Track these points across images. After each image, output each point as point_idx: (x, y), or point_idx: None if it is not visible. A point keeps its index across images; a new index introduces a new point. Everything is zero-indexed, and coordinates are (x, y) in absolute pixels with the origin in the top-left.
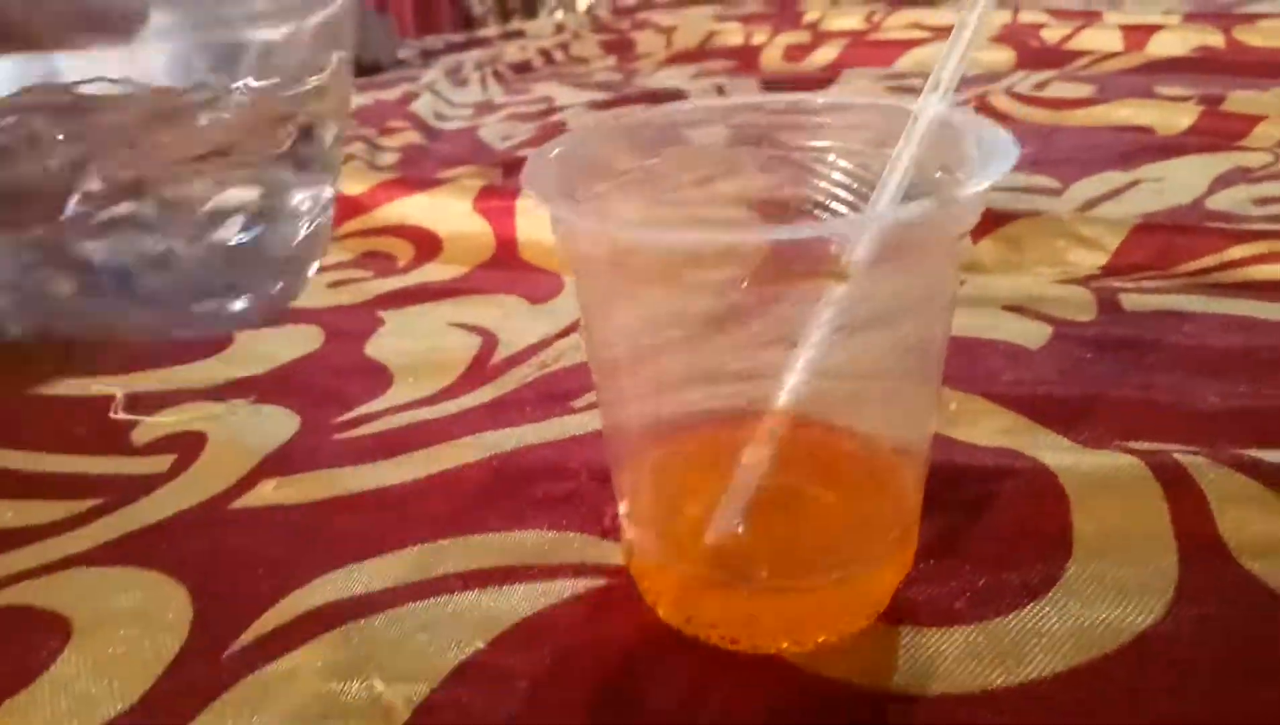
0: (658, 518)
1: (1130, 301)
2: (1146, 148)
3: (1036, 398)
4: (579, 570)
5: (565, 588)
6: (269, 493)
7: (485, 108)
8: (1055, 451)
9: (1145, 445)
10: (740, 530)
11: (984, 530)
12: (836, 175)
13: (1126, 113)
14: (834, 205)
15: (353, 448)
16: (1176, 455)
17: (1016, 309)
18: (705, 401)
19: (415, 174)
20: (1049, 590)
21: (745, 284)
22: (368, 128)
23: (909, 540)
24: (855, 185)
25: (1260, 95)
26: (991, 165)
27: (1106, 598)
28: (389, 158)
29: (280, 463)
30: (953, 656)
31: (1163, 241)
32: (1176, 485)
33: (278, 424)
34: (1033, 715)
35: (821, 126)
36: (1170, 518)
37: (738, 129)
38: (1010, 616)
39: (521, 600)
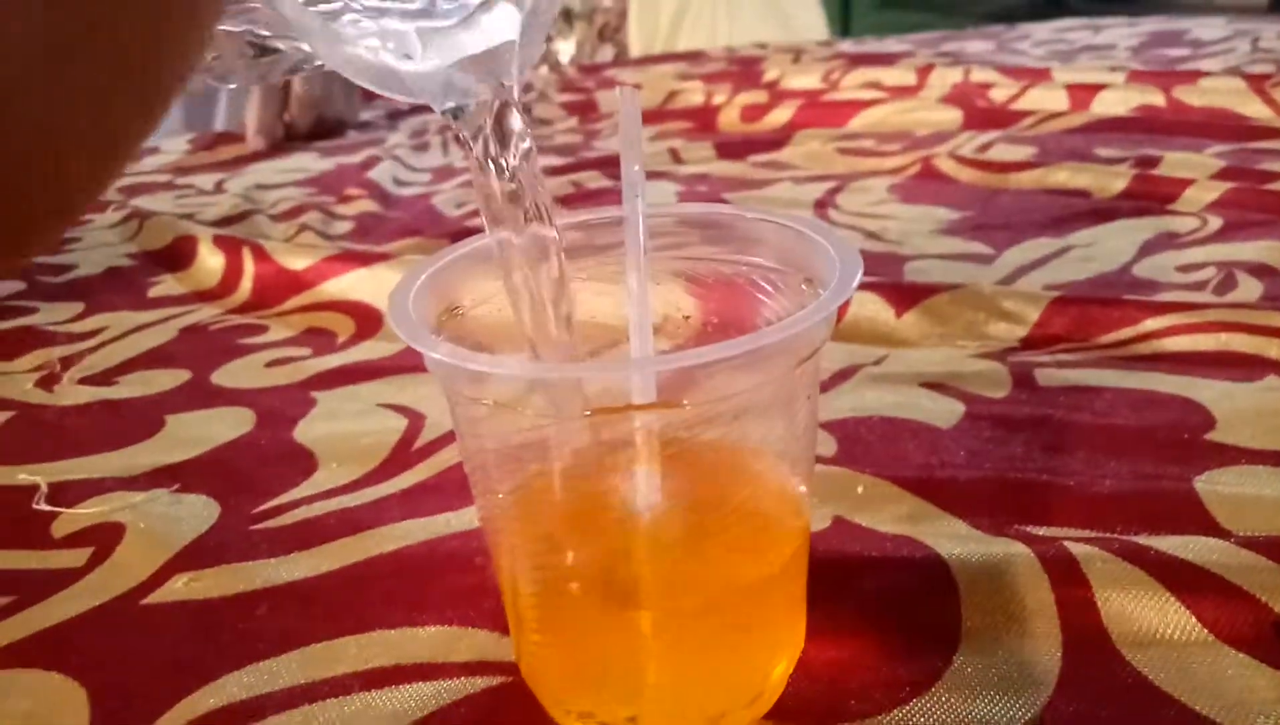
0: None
1: (1045, 376)
2: (1080, 213)
3: (941, 482)
4: (474, 669)
5: (458, 688)
6: (180, 588)
7: (444, 173)
8: (951, 540)
9: (1041, 531)
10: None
11: (876, 623)
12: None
13: (1064, 176)
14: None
15: (268, 539)
16: (1067, 543)
17: (934, 386)
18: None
19: (358, 248)
20: (932, 685)
21: (590, 413)
22: (326, 196)
23: (796, 631)
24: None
25: (1194, 156)
26: (824, 298)
27: (988, 693)
28: (342, 227)
29: (195, 555)
30: None
31: (1081, 314)
32: (1063, 575)
33: (197, 514)
34: None
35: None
36: (1056, 608)
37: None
38: (893, 713)
39: (414, 702)
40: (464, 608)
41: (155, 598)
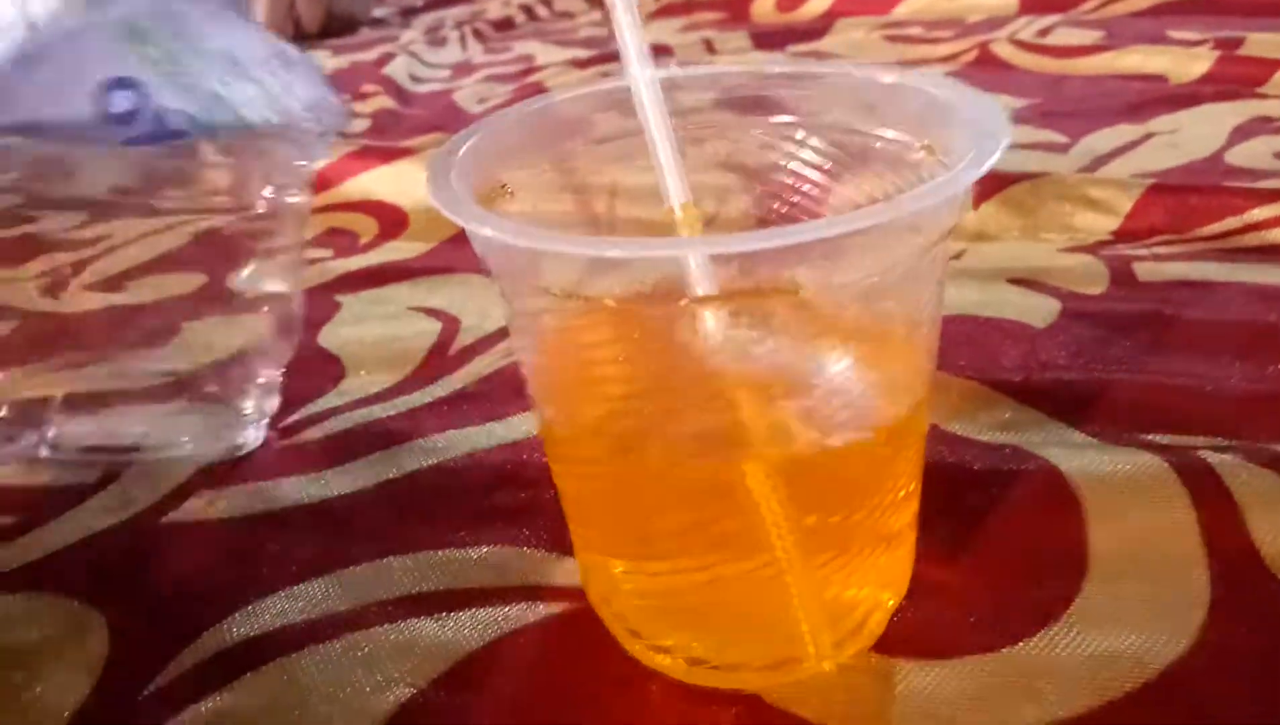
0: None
1: (1145, 271)
2: (1159, 98)
3: (1044, 385)
4: (535, 593)
5: (518, 614)
6: (202, 507)
7: (463, 69)
8: (1065, 448)
9: (1166, 438)
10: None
11: (989, 544)
12: (807, 153)
13: (1136, 60)
14: (806, 187)
15: (296, 454)
16: (1203, 452)
17: (1022, 282)
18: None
19: (380, 145)
20: (1063, 614)
21: (684, 302)
22: (341, 93)
23: (906, 554)
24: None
25: None
26: (975, 156)
27: (1129, 623)
28: (359, 125)
29: (217, 471)
30: (954, 698)
31: (1179, 203)
32: (1205, 489)
33: (217, 427)
34: None
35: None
36: (1199, 527)
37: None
38: (1019, 646)
39: (469, 630)
40: (518, 526)
41: (175, 517)
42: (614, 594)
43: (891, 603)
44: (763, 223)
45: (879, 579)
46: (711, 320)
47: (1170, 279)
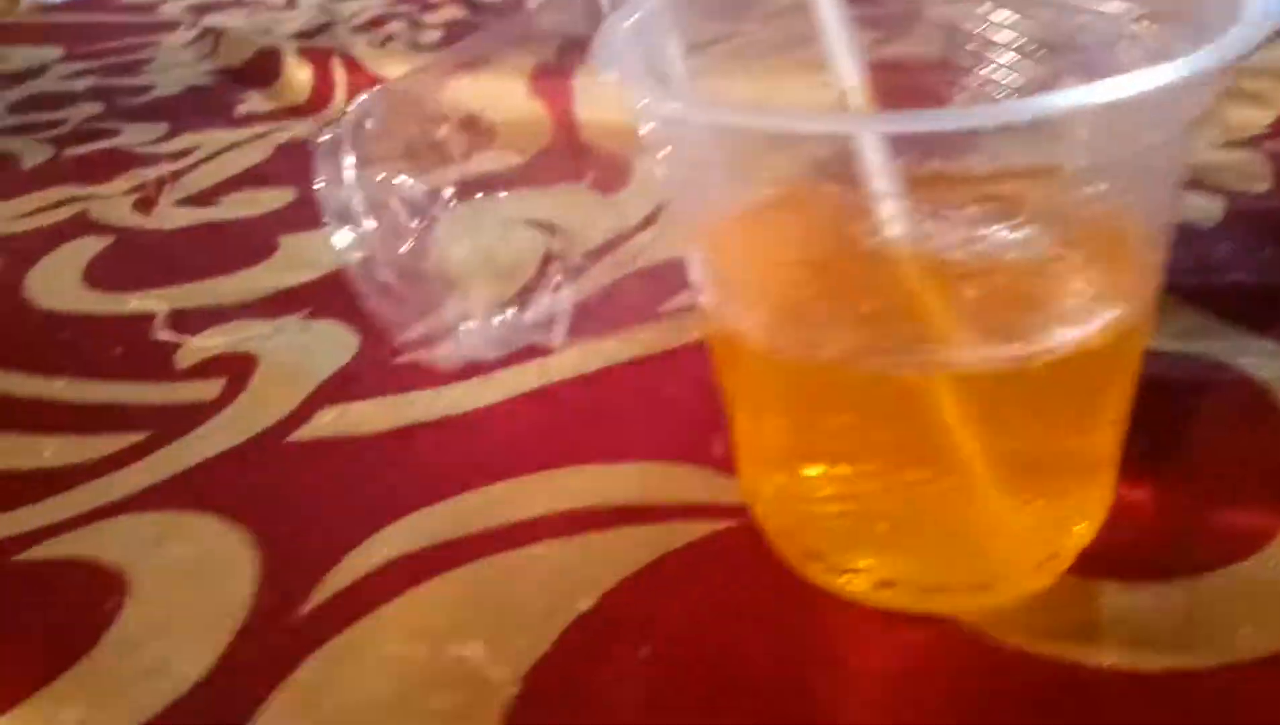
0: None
1: None
2: None
3: (1223, 289)
4: (690, 511)
5: (678, 533)
6: (330, 423)
7: None
8: (1259, 357)
9: None
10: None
11: (1189, 459)
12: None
13: None
14: (989, 70)
15: (420, 369)
16: None
17: None
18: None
19: (459, 55)
20: (1273, 537)
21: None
22: (408, 3)
23: (1110, 481)
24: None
25: None
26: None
27: None
28: (432, 36)
29: (340, 387)
30: (1166, 621)
31: None
32: None
33: (334, 342)
34: None
35: None
36: None
37: None
38: (1232, 568)
39: (630, 548)
40: (662, 440)
41: (303, 433)
42: (787, 512)
43: (1092, 527)
44: None
45: (1080, 508)
46: (903, 212)
47: None
